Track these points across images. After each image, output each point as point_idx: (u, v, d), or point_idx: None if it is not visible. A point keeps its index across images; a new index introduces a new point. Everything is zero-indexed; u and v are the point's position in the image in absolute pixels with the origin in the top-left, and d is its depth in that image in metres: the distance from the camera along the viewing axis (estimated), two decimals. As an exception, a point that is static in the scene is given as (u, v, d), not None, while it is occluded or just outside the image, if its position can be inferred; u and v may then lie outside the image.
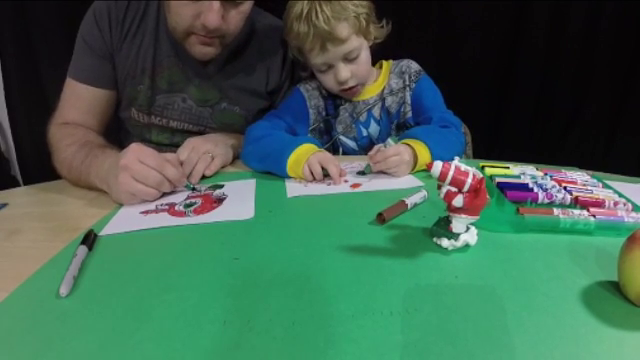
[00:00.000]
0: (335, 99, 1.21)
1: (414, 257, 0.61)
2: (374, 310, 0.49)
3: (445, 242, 0.62)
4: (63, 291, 0.53)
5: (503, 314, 0.48)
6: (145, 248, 0.66)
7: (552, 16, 1.41)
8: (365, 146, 1.21)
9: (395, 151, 0.93)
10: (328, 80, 1.12)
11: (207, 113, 1.20)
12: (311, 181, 0.93)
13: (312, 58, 1.08)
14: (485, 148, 1.21)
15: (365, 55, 1.11)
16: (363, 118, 1.20)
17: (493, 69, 1.51)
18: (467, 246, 0.62)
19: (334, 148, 1.23)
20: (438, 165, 0.58)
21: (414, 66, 1.21)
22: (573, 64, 1.44)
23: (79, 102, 1.11)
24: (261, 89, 1.22)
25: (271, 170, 0.98)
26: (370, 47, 1.13)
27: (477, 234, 0.63)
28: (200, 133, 1.20)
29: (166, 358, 0.43)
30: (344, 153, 1.23)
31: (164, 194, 0.85)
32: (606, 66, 1.41)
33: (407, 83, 1.19)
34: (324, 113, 1.22)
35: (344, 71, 1.08)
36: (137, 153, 0.81)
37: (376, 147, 0.98)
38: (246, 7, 1.03)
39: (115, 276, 0.58)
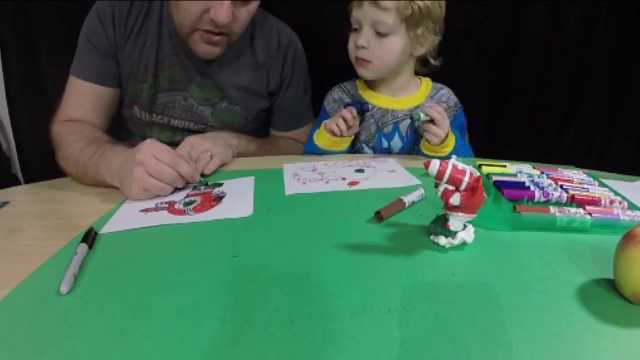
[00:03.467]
0: (362, 105, 1.19)
1: (412, 255, 0.61)
2: (372, 307, 0.49)
3: (442, 240, 0.63)
4: (64, 289, 0.53)
5: (500, 311, 0.49)
6: (145, 246, 0.66)
7: (549, 16, 1.40)
8: None
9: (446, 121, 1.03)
10: (350, 41, 1.12)
11: (208, 112, 1.21)
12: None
13: (352, 11, 1.09)
14: (482, 147, 1.21)
15: (395, 44, 1.09)
16: (388, 130, 1.18)
17: (490, 68, 1.51)
18: (464, 244, 0.63)
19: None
20: (435, 163, 0.59)
21: (453, 97, 1.21)
22: (570, 64, 1.44)
23: (83, 99, 1.11)
24: (262, 89, 1.23)
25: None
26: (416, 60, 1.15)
27: (474, 232, 0.64)
28: (200, 132, 1.20)
29: (166, 355, 0.43)
30: None
31: None
32: (602, 66, 1.41)
33: None
34: None
35: (364, 37, 1.07)
36: (152, 149, 0.82)
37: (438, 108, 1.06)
38: (253, 6, 1.05)
39: (115, 274, 0.59)
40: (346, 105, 1.20)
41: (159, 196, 0.84)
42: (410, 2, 1.03)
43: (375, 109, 1.19)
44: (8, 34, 1.52)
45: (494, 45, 1.48)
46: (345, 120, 1.10)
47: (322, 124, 1.16)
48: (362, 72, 1.15)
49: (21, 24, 1.51)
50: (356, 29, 1.10)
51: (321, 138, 1.15)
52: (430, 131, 1.04)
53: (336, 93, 1.25)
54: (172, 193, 0.86)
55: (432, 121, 1.03)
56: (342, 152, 1.16)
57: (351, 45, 1.13)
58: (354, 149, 1.20)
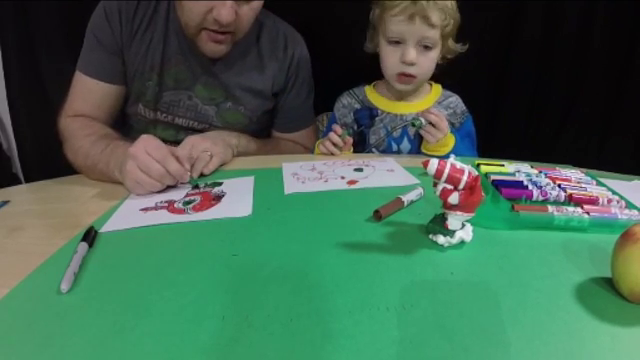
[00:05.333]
0: (371, 110, 1.21)
1: (410, 254, 0.61)
2: (371, 306, 0.50)
3: (441, 239, 0.63)
4: (64, 287, 0.53)
5: (498, 310, 0.49)
6: (145, 245, 0.67)
7: (546, 17, 1.41)
8: None
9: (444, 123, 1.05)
10: (391, 56, 1.11)
11: (212, 111, 1.21)
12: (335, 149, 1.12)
13: (392, 24, 1.07)
14: (480, 146, 1.22)
15: (434, 56, 1.11)
16: (397, 134, 1.19)
17: (488, 68, 1.51)
18: (462, 243, 0.63)
19: None
20: (434, 163, 0.59)
21: (461, 106, 1.23)
22: (567, 64, 1.44)
23: (89, 96, 1.12)
24: (267, 90, 1.23)
25: None
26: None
27: (472, 231, 0.64)
28: (204, 131, 1.21)
29: (165, 353, 0.43)
30: None
31: (165, 190, 0.86)
32: (600, 66, 1.42)
33: (450, 119, 1.19)
34: (355, 127, 1.22)
35: (413, 52, 1.08)
36: (145, 144, 0.83)
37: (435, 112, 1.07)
38: (257, 4, 1.06)
39: (115, 272, 0.59)
40: (355, 111, 1.22)
41: (156, 192, 0.85)
42: (449, 17, 1.06)
43: (384, 114, 1.20)
44: (9, 33, 1.53)
45: (492, 45, 1.48)
46: (334, 143, 1.12)
47: (316, 144, 1.18)
48: (403, 86, 1.16)
49: (22, 23, 1.51)
50: (397, 42, 1.09)
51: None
52: (430, 133, 1.06)
53: (345, 99, 1.26)
54: (166, 191, 0.86)
55: (432, 124, 1.05)
56: None
57: (394, 61, 1.11)
58: (365, 152, 1.21)
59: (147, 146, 0.83)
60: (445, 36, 1.10)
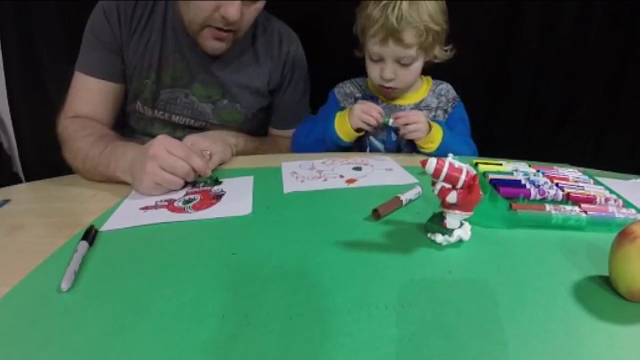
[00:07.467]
0: (373, 99, 1.23)
1: (409, 252, 0.62)
2: (369, 304, 0.50)
3: (439, 237, 0.63)
4: (64, 286, 0.54)
5: (496, 308, 0.49)
6: (145, 243, 0.67)
7: (544, 16, 1.41)
8: (392, 150, 1.23)
9: (416, 119, 1.08)
10: (373, 71, 1.15)
11: (209, 109, 1.22)
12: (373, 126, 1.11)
13: (370, 44, 1.11)
14: (478, 145, 1.22)
15: (417, 66, 1.14)
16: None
17: (486, 68, 1.52)
18: (461, 241, 0.63)
19: (362, 147, 1.24)
20: (432, 162, 0.59)
21: (452, 92, 1.26)
22: (565, 63, 1.45)
23: (89, 95, 1.12)
24: (263, 88, 1.25)
25: (323, 145, 1.18)
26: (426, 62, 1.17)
27: (470, 230, 0.64)
28: (201, 129, 1.22)
29: (165, 351, 0.43)
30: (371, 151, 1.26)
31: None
32: (597, 65, 1.42)
33: (443, 106, 1.23)
34: None
35: (390, 71, 1.11)
36: (165, 144, 0.84)
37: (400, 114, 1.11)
38: (261, 4, 1.07)
39: (115, 271, 0.59)
40: (356, 99, 1.25)
41: (168, 191, 0.85)
42: (427, 31, 1.06)
43: (384, 104, 1.23)
44: (10, 33, 1.53)
45: (490, 45, 1.49)
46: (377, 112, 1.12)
47: (342, 116, 1.15)
48: (388, 96, 1.21)
49: (22, 23, 1.51)
50: (375, 59, 1.13)
51: (345, 131, 1.15)
52: (408, 130, 1.08)
53: (347, 87, 1.29)
54: (182, 188, 0.87)
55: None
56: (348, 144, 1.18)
57: (375, 75, 1.16)
58: (360, 138, 1.21)
59: (168, 146, 0.83)
60: (426, 48, 1.11)
